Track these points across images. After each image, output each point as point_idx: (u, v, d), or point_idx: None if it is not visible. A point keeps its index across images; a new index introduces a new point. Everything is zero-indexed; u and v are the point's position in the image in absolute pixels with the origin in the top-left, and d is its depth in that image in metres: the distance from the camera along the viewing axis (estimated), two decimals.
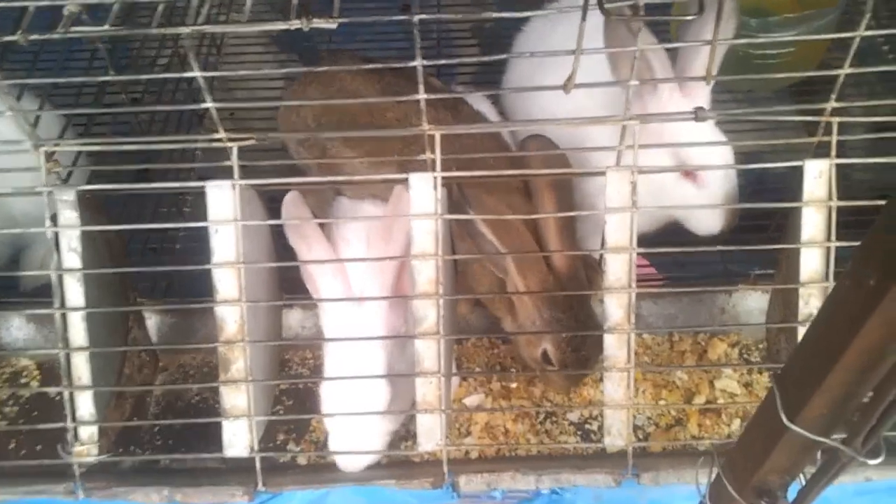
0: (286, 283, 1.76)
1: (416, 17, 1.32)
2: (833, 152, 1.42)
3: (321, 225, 1.58)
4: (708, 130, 1.59)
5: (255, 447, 1.51)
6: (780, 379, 1.00)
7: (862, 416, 0.95)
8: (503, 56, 1.96)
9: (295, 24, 1.29)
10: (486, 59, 1.44)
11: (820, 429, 0.97)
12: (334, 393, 1.57)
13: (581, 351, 1.57)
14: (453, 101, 1.77)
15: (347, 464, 1.57)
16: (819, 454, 1.05)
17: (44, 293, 1.98)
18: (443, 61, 1.34)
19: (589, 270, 1.77)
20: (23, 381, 1.85)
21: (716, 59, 1.34)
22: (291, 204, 1.54)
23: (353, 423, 1.55)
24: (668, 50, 1.62)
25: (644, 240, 1.48)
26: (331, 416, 1.57)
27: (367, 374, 1.52)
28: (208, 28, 1.33)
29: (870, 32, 1.33)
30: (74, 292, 1.49)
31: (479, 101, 1.86)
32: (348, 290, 1.56)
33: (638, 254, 1.89)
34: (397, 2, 2.68)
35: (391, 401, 1.54)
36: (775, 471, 1.08)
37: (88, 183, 1.53)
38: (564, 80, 1.35)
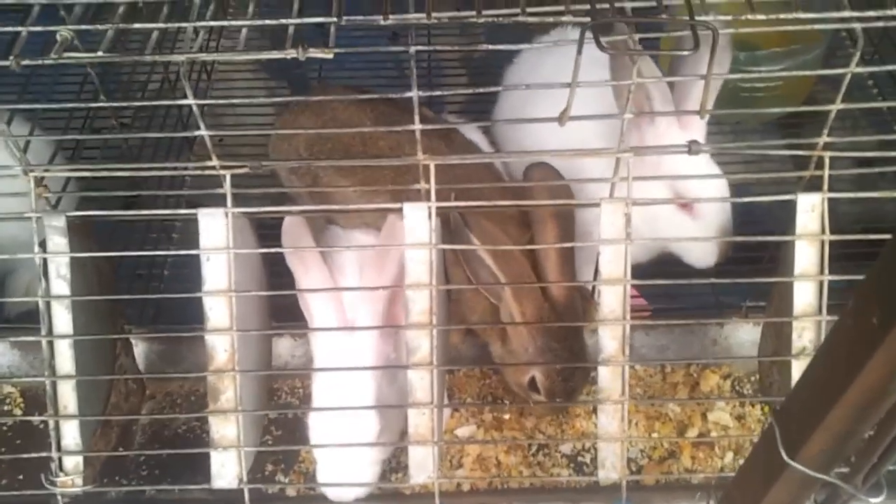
0: (276, 310, 1.74)
1: (413, 49, 1.32)
2: (825, 186, 1.43)
3: None
4: (704, 163, 1.60)
5: (244, 478, 1.49)
6: (779, 415, 1.00)
7: (863, 454, 0.95)
8: (498, 88, 1.97)
9: (290, 53, 1.29)
10: (481, 90, 1.43)
11: (820, 465, 0.96)
12: (323, 422, 1.55)
13: (570, 382, 1.57)
14: (445, 130, 1.77)
15: (337, 495, 1.54)
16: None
17: (28, 319, 1.96)
18: (438, 92, 1.34)
19: (582, 301, 1.77)
20: (6, 408, 1.82)
21: (711, 94, 1.35)
22: (293, 227, 1.53)
23: (343, 453, 1.53)
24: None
25: (637, 270, 1.48)
26: (320, 447, 1.55)
27: (358, 405, 1.51)
28: (203, 56, 1.33)
29: (860, 69, 1.35)
30: (62, 319, 1.47)
31: (471, 131, 1.86)
32: (342, 318, 1.54)
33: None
34: (386, 31, 2.70)
35: (381, 430, 1.52)
36: None
37: (77, 208, 1.52)
38: (560, 112, 1.35)
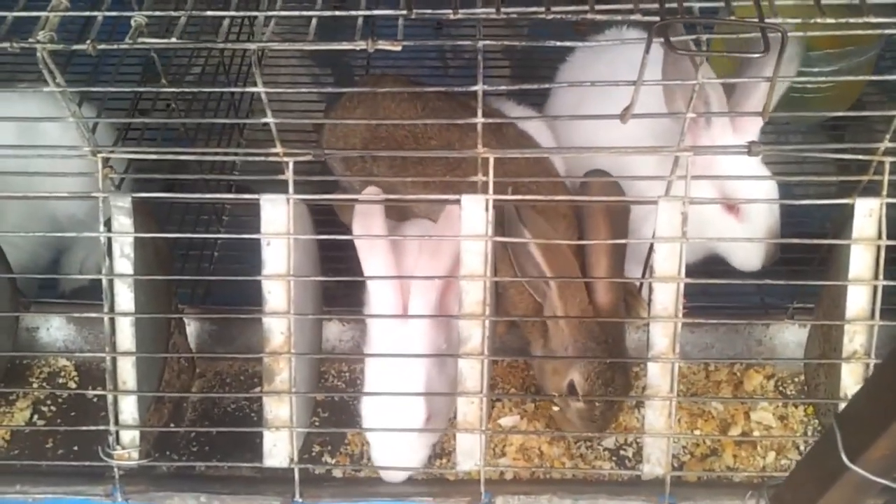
0: (325, 296, 1.77)
1: (481, 43, 1.33)
2: (885, 191, 1.43)
3: None
4: (755, 165, 1.60)
5: (295, 458, 1.52)
6: (841, 419, 1.01)
7: None
8: (562, 84, 1.97)
9: (360, 45, 1.30)
10: (542, 86, 1.45)
11: (881, 470, 0.97)
12: (375, 406, 1.58)
13: (609, 386, 1.56)
14: (497, 123, 1.78)
15: (389, 476, 1.58)
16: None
17: (82, 295, 2.01)
18: (503, 87, 1.35)
19: (628, 296, 1.78)
20: (60, 380, 1.87)
21: (774, 97, 1.35)
22: (367, 212, 1.55)
23: (393, 437, 1.56)
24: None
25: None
26: (370, 430, 1.58)
27: (408, 391, 1.53)
28: (274, 45, 1.36)
29: (875, 77, 1.34)
30: (125, 297, 1.50)
31: (531, 124, 1.86)
32: (402, 304, 1.57)
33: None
34: (430, 21, 2.70)
35: (430, 417, 1.55)
36: None
37: (135, 191, 1.56)
38: (623, 110, 1.36)
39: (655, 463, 1.51)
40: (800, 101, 2.31)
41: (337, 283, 1.79)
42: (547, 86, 1.43)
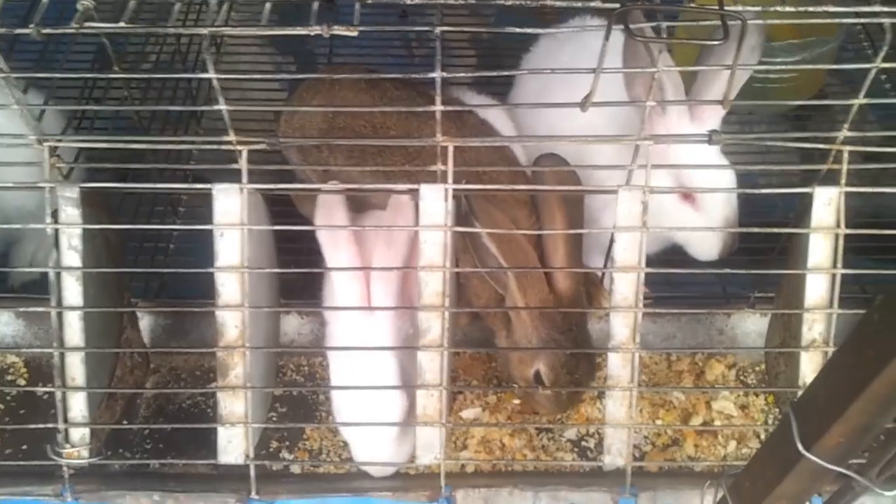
0: (283, 288, 1.74)
1: (438, 29, 1.31)
2: (843, 180, 1.43)
3: None
4: (713, 154, 1.60)
5: (251, 455, 1.49)
6: (796, 407, 1.00)
7: (879, 448, 0.96)
8: (523, 72, 1.95)
9: (315, 30, 1.27)
10: (502, 73, 1.43)
11: (836, 457, 0.97)
12: (349, 401, 1.54)
13: (575, 374, 1.57)
14: (457, 111, 1.76)
15: (376, 471, 1.57)
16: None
17: (32, 289, 1.95)
18: (461, 73, 1.33)
19: (590, 286, 1.77)
20: (9, 377, 1.81)
21: (735, 85, 1.34)
22: (328, 203, 1.52)
23: (375, 433, 1.53)
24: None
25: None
26: (344, 426, 1.56)
27: (381, 382, 1.50)
28: (227, 30, 1.32)
29: (886, 65, 1.34)
30: (72, 291, 1.46)
31: (491, 112, 1.84)
32: (365, 296, 1.53)
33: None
34: (395, 10, 2.67)
35: (408, 406, 1.51)
36: (785, 497, 1.09)
37: (87, 180, 1.51)
38: (582, 98, 1.34)
39: (616, 454, 1.50)
40: (762, 90, 2.31)
41: (295, 274, 1.76)
42: (505, 73, 1.41)
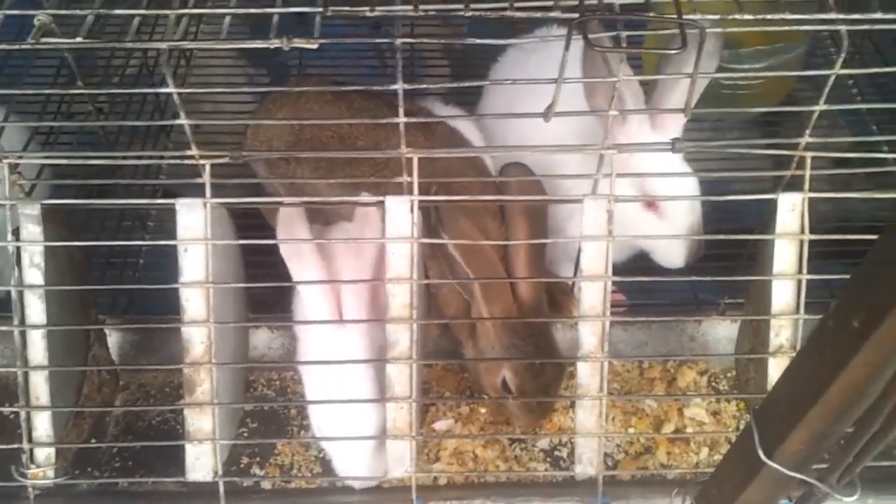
0: (253, 302, 1.72)
1: (398, 41, 1.30)
2: (807, 186, 1.44)
3: None
4: (675, 162, 1.60)
5: (219, 471, 1.47)
6: (757, 414, 1.01)
7: (839, 454, 0.96)
8: (485, 83, 1.96)
9: (275, 43, 1.27)
10: (466, 84, 1.43)
11: (797, 464, 0.97)
12: (327, 415, 1.53)
13: (540, 378, 1.57)
14: (427, 122, 1.76)
15: (359, 484, 1.56)
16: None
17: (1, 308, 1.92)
18: (424, 85, 1.33)
19: (560, 295, 1.77)
20: None
21: (695, 94, 1.35)
22: (289, 218, 1.51)
23: (355, 444, 1.52)
24: (643, 82, 1.64)
25: (615, 267, 1.48)
26: (318, 440, 1.56)
27: (356, 395, 1.48)
28: (186, 44, 1.31)
29: (844, 71, 1.36)
30: (35, 309, 1.44)
31: (461, 122, 1.84)
32: (336, 310, 1.53)
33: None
34: (368, 21, 2.66)
35: (384, 417, 1.50)
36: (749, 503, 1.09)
37: (51, 196, 1.49)
38: (545, 108, 1.35)
39: (587, 463, 1.50)
40: (731, 97, 2.33)
41: (266, 288, 1.75)
42: (465, 84, 1.41)
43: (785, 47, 2.27)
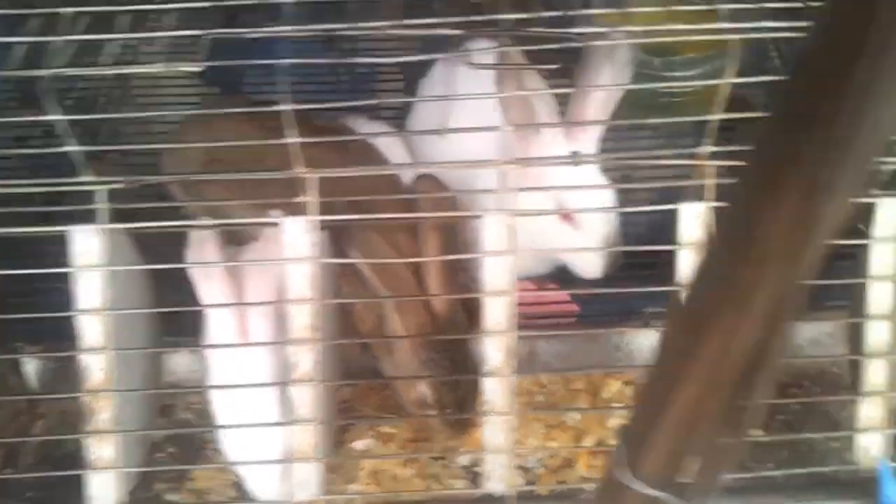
0: (170, 326, 1.71)
1: (286, 62, 1.30)
2: (705, 195, 1.44)
3: None
4: (588, 173, 1.60)
5: (126, 500, 1.46)
6: (623, 431, 1.00)
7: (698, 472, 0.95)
8: (372, 102, 1.97)
9: (158, 67, 1.27)
10: (363, 103, 1.43)
11: (660, 481, 0.96)
12: (234, 439, 1.52)
13: (457, 391, 1.56)
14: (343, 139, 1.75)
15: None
16: None
17: None
18: (313, 106, 1.33)
19: (477, 310, 1.76)
20: None
21: (605, 105, 1.36)
22: (199, 241, 1.51)
23: (261, 468, 1.51)
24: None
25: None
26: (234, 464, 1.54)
27: (266, 414, 1.47)
28: (69, 71, 1.31)
29: (737, 80, 1.36)
30: None
31: (385, 139, 1.83)
32: (240, 331, 1.52)
33: (560, 289, 1.89)
34: (320, 38, 2.65)
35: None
36: None
37: None
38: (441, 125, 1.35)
39: (497, 480, 1.49)
40: (670, 105, 2.33)
41: (190, 312, 1.73)
42: (365, 103, 1.41)
43: (717, 54, 2.26)
